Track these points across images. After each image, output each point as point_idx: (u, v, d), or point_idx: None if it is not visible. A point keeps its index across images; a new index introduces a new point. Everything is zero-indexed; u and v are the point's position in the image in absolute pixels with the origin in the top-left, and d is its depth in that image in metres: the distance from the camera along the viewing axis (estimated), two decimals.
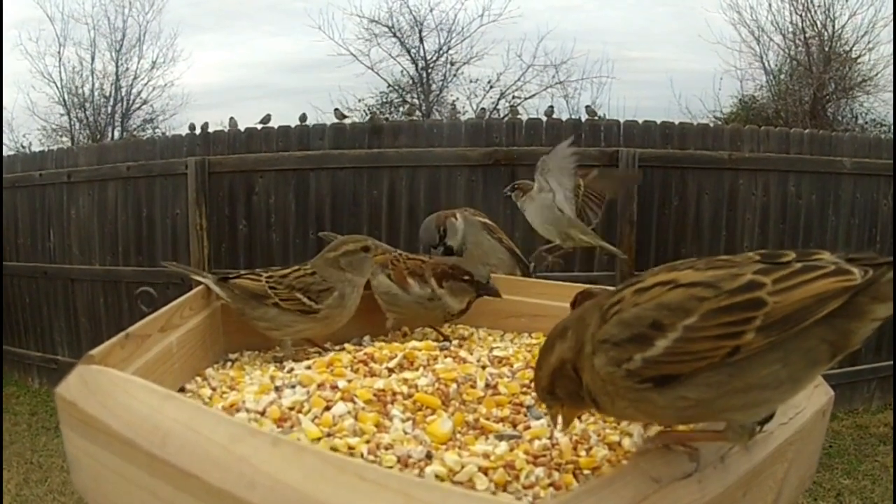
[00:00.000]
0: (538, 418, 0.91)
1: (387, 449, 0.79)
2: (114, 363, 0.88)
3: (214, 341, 1.32)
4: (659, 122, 5.30)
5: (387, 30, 14.72)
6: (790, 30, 13.05)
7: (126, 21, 14.86)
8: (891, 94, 11.97)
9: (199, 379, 1.16)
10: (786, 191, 5.30)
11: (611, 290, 0.76)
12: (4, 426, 5.09)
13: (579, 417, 0.93)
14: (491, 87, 15.01)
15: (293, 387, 0.95)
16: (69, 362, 0.78)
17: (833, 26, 12.70)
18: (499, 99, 14.98)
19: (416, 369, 1.06)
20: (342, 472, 0.57)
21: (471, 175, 5.14)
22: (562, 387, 0.77)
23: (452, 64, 15.04)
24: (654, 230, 5.17)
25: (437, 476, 0.73)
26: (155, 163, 5.64)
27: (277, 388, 0.96)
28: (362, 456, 0.78)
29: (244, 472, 0.59)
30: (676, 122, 5.39)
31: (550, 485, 0.74)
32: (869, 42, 12.44)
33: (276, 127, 5.59)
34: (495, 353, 1.18)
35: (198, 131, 6.90)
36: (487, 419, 0.91)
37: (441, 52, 14.93)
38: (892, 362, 5.27)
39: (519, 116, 9.85)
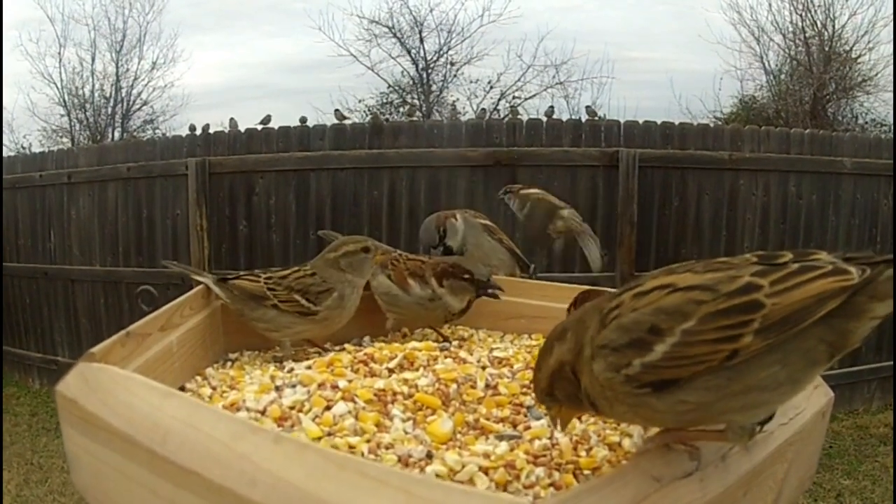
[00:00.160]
0: (538, 419, 0.91)
1: (387, 448, 0.79)
2: (114, 361, 0.88)
3: (214, 341, 1.32)
4: (659, 122, 5.30)
5: (387, 30, 14.73)
6: (790, 30, 13.06)
7: (126, 22, 14.87)
8: (891, 94, 11.98)
9: (199, 378, 1.16)
10: (786, 191, 5.30)
11: (611, 293, 0.76)
12: (5, 427, 5.09)
13: (579, 418, 0.93)
14: (491, 87, 15.02)
15: (294, 386, 0.95)
16: (69, 363, 0.78)
17: (833, 26, 12.71)
18: (499, 99, 14.99)
19: (417, 370, 1.06)
20: (343, 469, 0.57)
21: (471, 175, 5.14)
22: (560, 389, 0.77)
23: (453, 64, 15.04)
24: (655, 231, 5.17)
25: (437, 475, 0.73)
26: (155, 163, 5.65)
27: (278, 388, 0.96)
28: (363, 455, 0.78)
29: (245, 469, 0.59)
30: (677, 123, 5.40)
31: (551, 485, 0.74)
32: (869, 42, 12.45)
33: (276, 127, 5.59)
34: (495, 353, 1.18)
35: (198, 132, 6.90)
36: (488, 419, 0.91)
37: (441, 52, 14.94)
38: (892, 363, 5.27)
39: (519, 117, 9.83)
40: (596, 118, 8.65)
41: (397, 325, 1.56)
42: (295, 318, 1.33)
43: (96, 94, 15.03)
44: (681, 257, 5.14)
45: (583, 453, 0.82)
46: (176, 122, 15.21)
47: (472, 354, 1.16)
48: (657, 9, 20.86)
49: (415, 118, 12.57)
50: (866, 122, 13.16)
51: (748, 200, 5.25)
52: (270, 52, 22.51)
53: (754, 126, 5.91)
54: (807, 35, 12.90)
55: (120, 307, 5.78)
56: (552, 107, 10.83)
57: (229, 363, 1.31)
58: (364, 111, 14.82)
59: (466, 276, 1.49)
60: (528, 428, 0.88)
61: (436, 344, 1.25)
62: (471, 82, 15.13)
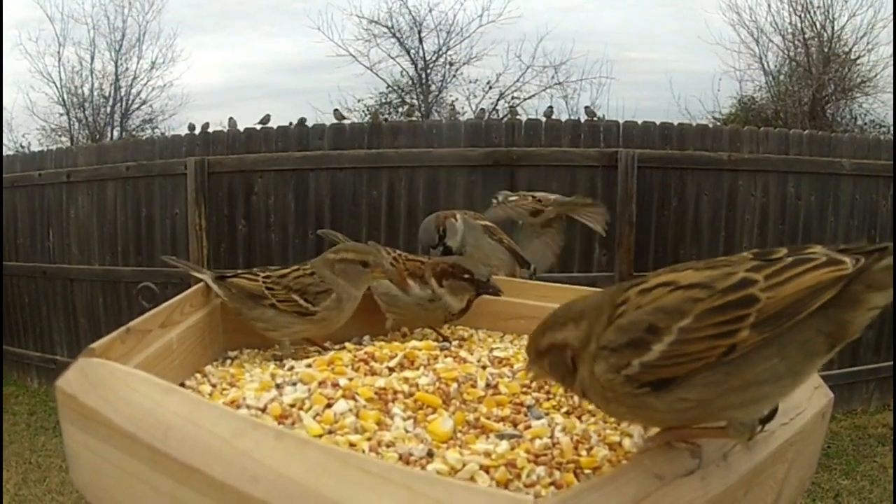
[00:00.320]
0: (539, 418, 0.91)
1: (388, 447, 0.79)
2: (114, 357, 0.88)
3: (214, 339, 1.32)
4: (658, 122, 5.31)
5: (386, 30, 14.74)
6: (789, 31, 13.08)
7: (126, 21, 14.87)
8: (890, 95, 12.00)
9: (198, 376, 1.15)
10: (785, 192, 5.30)
11: (622, 285, 0.76)
12: (3, 426, 5.08)
13: (579, 417, 0.93)
14: (490, 87, 15.03)
15: (294, 384, 0.95)
16: (68, 362, 0.77)
17: (832, 27, 12.73)
18: (498, 99, 15.00)
19: (417, 368, 1.06)
20: (345, 465, 0.56)
21: (470, 175, 5.14)
22: (552, 362, 0.78)
23: (452, 64, 15.05)
24: (654, 231, 5.18)
25: (438, 473, 0.73)
26: (154, 163, 5.64)
27: (278, 386, 0.95)
28: (364, 453, 0.77)
29: (247, 466, 0.59)
30: (675, 123, 5.40)
31: (552, 483, 0.74)
32: (868, 43, 12.47)
33: (275, 127, 5.60)
34: (495, 353, 1.18)
35: (197, 131, 6.90)
36: (488, 418, 0.91)
37: (440, 52, 14.94)
38: (891, 363, 5.28)
39: (518, 117, 9.87)
40: (595, 118, 8.67)
41: (397, 325, 1.56)
42: (293, 318, 1.32)
43: (95, 94, 15.05)
44: (679, 258, 5.15)
45: (583, 453, 0.81)
46: (175, 121, 15.24)
47: (472, 354, 1.16)
48: (657, 9, 20.93)
49: (414, 118, 12.57)
50: (865, 124, 13.20)
51: (747, 201, 5.26)
52: (270, 52, 22.56)
53: (753, 127, 5.92)
54: (806, 36, 12.92)
55: (119, 306, 5.77)
56: (551, 107, 10.88)
57: (229, 361, 1.30)
58: (363, 111, 14.83)
59: (466, 275, 1.49)
60: (528, 427, 0.87)
61: (436, 343, 1.25)
62: (470, 82, 15.16)
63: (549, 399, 0.99)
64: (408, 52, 14.93)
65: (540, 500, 0.64)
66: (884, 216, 5.49)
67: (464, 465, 0.74)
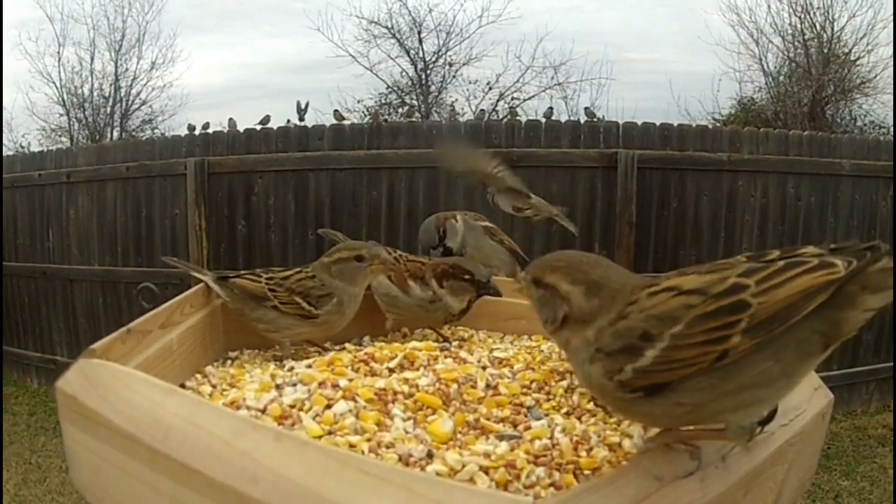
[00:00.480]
0: (538, 419, 0.91)
1: (388, 448, 0.79)
2: (114, 358, 0.88)
3: (214, 339, 1.32)
4: (658, 123, 5.31)
5: (386, 31, 14.71)
6: (789, 32, 13.06)
7: (125, 21, 14.83)
8: (890, 96, 11.99)
9: (198, 376, 1.15)
10: (785, 192, 5.30)
11: (642, 281, 0.75)
12: (3, 426, 5.08)
13: (579, 418, 0.93)
14: (490, 88, 15.00)
15: (294, 385, 0.95)
16: (68, 362, 0.77)
17: (832, 28, 12.72)
18: (498, 100, 14.97)
19: (417, 369, 1.06)
20: (345, 466, 0.57)
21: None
22: (543, 298, 0.78)
23: (451, 65, 15.02)
24: (653, 231, 5.18)
25: (438, 474, 0.73)
26: (154, 163, 5.64)
27: (278, 386, 0.95)
28: (363, 454, 0.77)
29: (246, 466, 0.59)
30: (675, 124, 5.40)
31: (551, 485, 0.74)
32: (868, 44, 12.45)
33: (275, 128, 5.60)
34: (495, 354, 1.17)
35: (197, 132, 6.90)
36: (488, 419, 0.91)
37: (440, 53, 14.92)
38: (890, 364, 5.28)
39: (518, 118, 9.86)
40: (594, 119, 8.65)
41: (397, 326, 1.56)
42: (295, 321, 1.32)
43: (95, 94, 15.01)
44: (679, 258, 5.15)
45: (583, 454, 0.81)
46: (175, 121, 15.21)
47: (472, 354, 1.16)
48: (656, 10, 20.91)
49: (413, 119, 12.57)
50: (865, 124, 13.18)
51: (747, 202, 5.26)
52: (270, 53, 22.53)
53: (753, 127, 5.92)
54: (806, 37, 12.91)
55: (118, 307, 5.77)
56: (551, 108, 10.86)
57: (229, 361, 1.30)
58: (363, 112, 14.82)
59: (466, 276, 1.49)
60: (528, 428, 0.87)
61: (436, 344, 1.25)
62: (469, 83, 15.13)
63: (548, 400, 0.99)
64: (407, 53, 14.93)
65: (539, 502, 0.64)
66: (884, 217, 5.49)
67: (463, 466, 0.74)
